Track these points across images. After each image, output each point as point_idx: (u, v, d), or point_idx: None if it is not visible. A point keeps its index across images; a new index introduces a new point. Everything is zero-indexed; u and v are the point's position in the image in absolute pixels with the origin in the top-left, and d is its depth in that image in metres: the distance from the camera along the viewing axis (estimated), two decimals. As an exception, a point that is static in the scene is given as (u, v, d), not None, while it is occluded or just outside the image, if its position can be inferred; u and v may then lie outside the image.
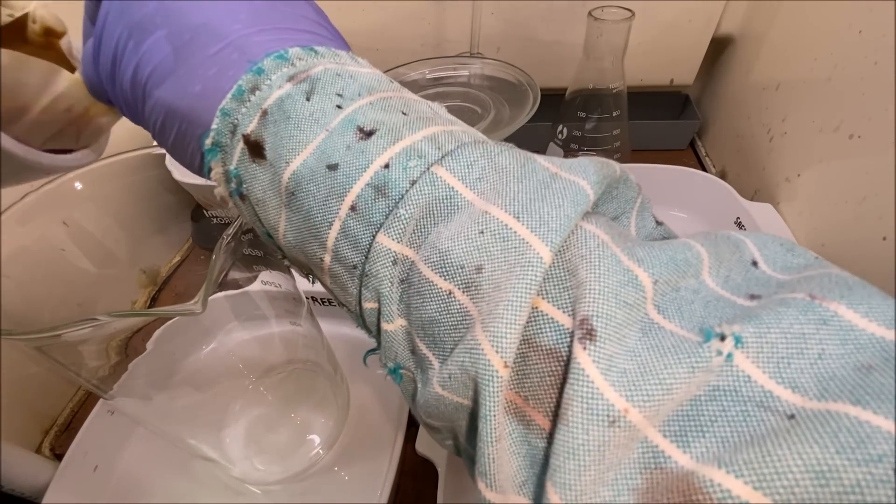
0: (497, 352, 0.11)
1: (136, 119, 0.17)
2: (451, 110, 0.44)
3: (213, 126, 0.14)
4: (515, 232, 0.12)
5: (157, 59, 0.15)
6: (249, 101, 0.14)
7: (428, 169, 0.13)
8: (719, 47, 0.53)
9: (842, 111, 0.34)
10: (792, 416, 0.09)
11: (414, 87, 0.43)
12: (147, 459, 0.33)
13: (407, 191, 0.13)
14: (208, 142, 0.15)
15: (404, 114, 0.14)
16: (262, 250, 0.25)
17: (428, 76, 0.44)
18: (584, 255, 0.11)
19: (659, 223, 0.16)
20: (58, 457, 0.34)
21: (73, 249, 0.26)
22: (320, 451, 0.32)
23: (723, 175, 0.51)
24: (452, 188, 0.13)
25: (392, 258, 0.13)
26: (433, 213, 0.13)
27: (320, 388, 0.35)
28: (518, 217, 0.12)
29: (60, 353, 0.20)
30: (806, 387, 0.09)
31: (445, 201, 0.13)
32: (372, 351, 0.16)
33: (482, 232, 0.12)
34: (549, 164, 0.13)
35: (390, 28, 0.51)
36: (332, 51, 0.15)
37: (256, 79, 0.14)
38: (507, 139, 0.40)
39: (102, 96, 0.18)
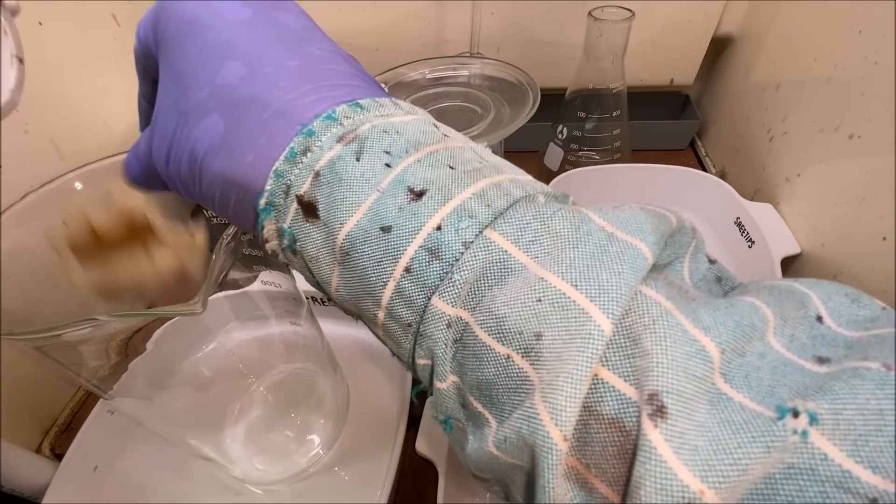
0: (556, 425, 0.11)
1: (194, 196, 0.17)
2: (450, 110, 0.43)
3: (267, 187, 0.15)
4: (574, 301, 0.12)
5: (210, 138, 0.15)
6: (301, 162, 0.14)
7: (481, 232, 0.13)
8: (719, 47, 0.53)
9: (842, 111, 0.34)
10: (875, 501, 0.09)
11: (414, 87, 0.43)
12: (147, 459, 0.33)
13: (461, 254, 0.13)
14: (262, 201, 0.15)
15: (451, 168, 0.14)
16: (261, 250, 0.25)
17: (428, 76, 0.44)
18: (648, 325, 0.11)
19: (712, 262, 0.16)
20: (58, 457, 0.34)
21: (73, 249, 0.26)
22: (320, 451, 0.32)
23: (723, 175, 0.51)
24: (506, 251, 0.13)
25: (446, 321, 0.13)
26: (487, 277, 0.13)
27: (320, 388, 0.35)
28: (576, 285, 0.12)
29: (60, 353, 0.20)
30: (887, 467, 0.09)
31: (499, 265, 0.13)
32: (417, 388, 0.16)
33: (540, 300, 0.12)
34: (604, 222, 0.13)
35: (390, 28, 0.51)
36: (375, 101, 0.16)
37: (307, 140, 0.14)
38: (508, 139, 0.40)
39: (152, 184, 0.19)
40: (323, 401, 0.34)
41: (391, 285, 0.13)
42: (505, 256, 0.13)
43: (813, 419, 0.10)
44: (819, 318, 0.12)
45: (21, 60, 0.20)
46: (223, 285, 0.26)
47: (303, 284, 0.30)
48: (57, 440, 0.36)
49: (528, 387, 0.12)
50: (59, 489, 0.29)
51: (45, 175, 0.23)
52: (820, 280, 0.14)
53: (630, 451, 0.11)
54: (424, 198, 0.13)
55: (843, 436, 0.10)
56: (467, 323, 0.13)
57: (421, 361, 0.14)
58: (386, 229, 0.13)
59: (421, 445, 0.29)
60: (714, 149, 0.54)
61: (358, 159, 0.14)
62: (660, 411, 0.10)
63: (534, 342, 0.12)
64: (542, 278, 0.12)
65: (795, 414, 0.10)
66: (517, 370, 0.12)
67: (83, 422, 0.32)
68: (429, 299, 0.13)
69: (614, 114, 0.43)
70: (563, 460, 0.11)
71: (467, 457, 0.14)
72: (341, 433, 0.33)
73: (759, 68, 0.46)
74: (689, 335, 0.11)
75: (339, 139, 0.14)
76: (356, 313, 0.16)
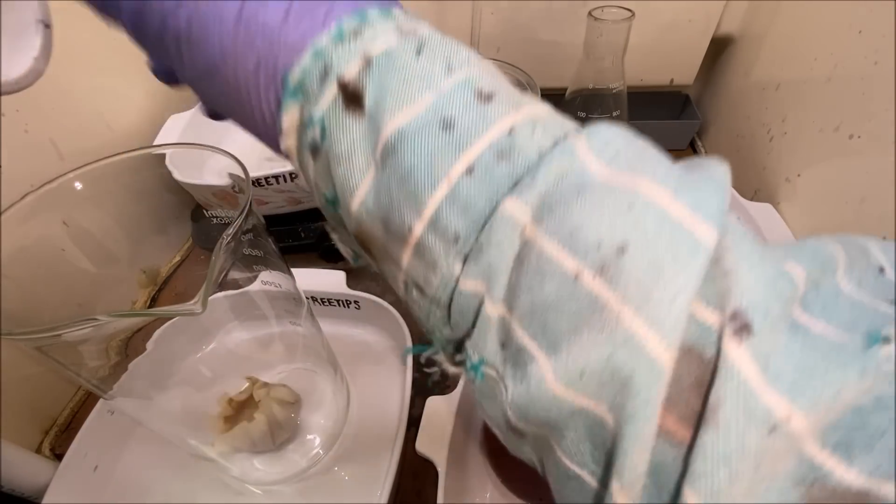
0: (667, 347, 0.10)
1: (159, 33, 0.14)
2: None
3: (302, 64, 0.13)
4: (672, 210, 0.10)
5: None
6: (350, 44, 0.13)
7: (562, 139, 0.12)
8: (719, 47, 0.53)
9: (842, 111, 0.34)
10: None
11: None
12: (147, 459, 0.33)
13: (536, 160, 0.12)
14: (293, 78, 0.13)
15: (515, 88, 0.13)
16: (261, 250, 0.25)
17: (428, 76, 0.44)
18: (729, 246, 0.10)
19: None
20: (58, 457, 0.34)
21: (73, 249, 0.26)
22: (320, 451, 0.32)
23: (723, 175, 0.51)
24: (586, 162, 0.11)
25: (519, 230, 0.12)
26: (561, 187, 0.11)
27: (320, 388, 0.35)
28: (676, 193, 0.11)
29: (60, 353, 0.20)
30: None
31: (577, 175, 0.11)
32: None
33: (631, 206, 0.11)
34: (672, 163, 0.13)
35: (390, 28, 0.51)
36: (426, 24, 0.14)
37: (361, 24, 0.13)
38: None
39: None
40: (323, 401, 0.34)
41: (444, 187, 0.12)
42: (585, 167, 0.11)
43: None
44: (881, 269, 0.12)
45: (47, 25, 0.18)
46: (223, 285, 0.26)
47: (303, 284, 0.30)
48: (57, 440, 0.36)
49: (593, 310, 0.11)
50: (59, 489, 0.29)
51: (45, 175, 0.23)
52: (872, 236, 0.13)
53: (706, 381, 0.10)
54: (494, 101, 0.12)
55: None
56: (530, 238, 0.12)
57: (468, 285, 0.12)
58: (448, 125, 0.12)
59: (421, 445, 0.29)
60: (714, 149, 0.54)
61: (418, 55, 0.13)
62: (745, 328, 0.09)
63: (614, 257, 0.10)
64: (634, 186, 0.11)
65: (887, 341, 0.09)
66: (585, 290, 0.11)
67: (83, 422, 0.32)
68: (496, 203, 0.12)
69: (614, 114, 0.43)
70: (665, 389, 0.10)
71: (511, 404, 0.13)
72: (341, 433, 0.33)
73: (759, 68, 0.46)
74: (772, 255, 0.11)
75: (398, 31, 0.13)
76: (377, 236, 0.14)
